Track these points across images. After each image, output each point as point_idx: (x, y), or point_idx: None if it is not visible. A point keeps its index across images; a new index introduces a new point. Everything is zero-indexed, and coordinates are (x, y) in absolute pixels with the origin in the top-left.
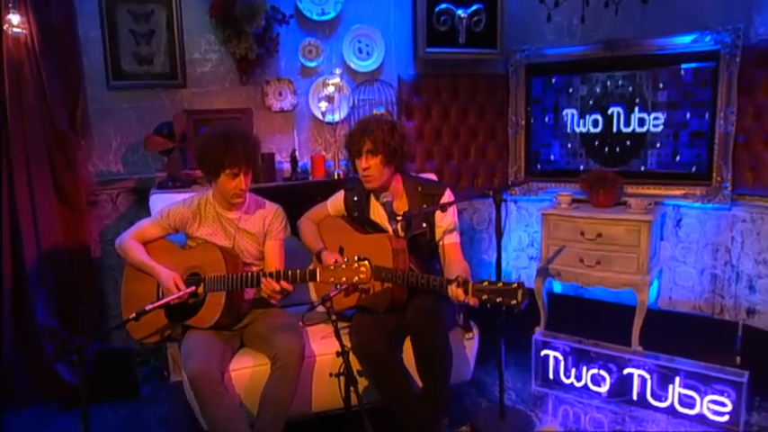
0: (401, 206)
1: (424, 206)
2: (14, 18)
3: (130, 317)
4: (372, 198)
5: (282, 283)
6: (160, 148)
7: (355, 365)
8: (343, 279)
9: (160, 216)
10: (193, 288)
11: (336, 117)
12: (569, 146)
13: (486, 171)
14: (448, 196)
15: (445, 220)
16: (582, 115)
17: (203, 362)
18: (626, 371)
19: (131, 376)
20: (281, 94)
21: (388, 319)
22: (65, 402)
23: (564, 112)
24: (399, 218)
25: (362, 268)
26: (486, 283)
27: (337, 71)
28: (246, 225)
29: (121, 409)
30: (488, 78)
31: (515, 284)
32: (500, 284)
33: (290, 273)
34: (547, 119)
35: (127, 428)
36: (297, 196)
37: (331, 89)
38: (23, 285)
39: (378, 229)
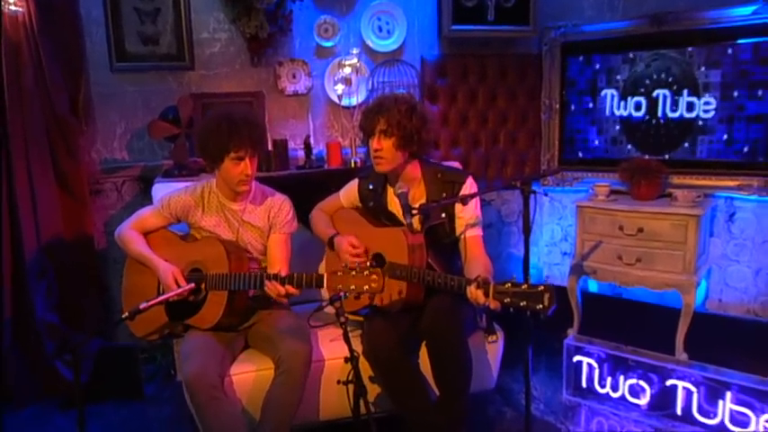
0: (418, 194)
1: (444, 195)
2: None
3: (123, 316)
4: (389, 187)
5: (288, 287)
6: (165, 134)
7: (367, 371)
8: (352, 287)
9: (161, 205)
10: (192, 286)
11: (354, 101)
12: (608, 132)
13: (517, 159)
14: (470, 185)
15: (466, 212)
16: (623, 98)
17: (200, 365)
18: (669, 382)
19: (134, 375)
20: (294, 77)
21: (403, 321)
22: (65, 401)
23: (603, 95)
24: (415, 211)
25: (374, 276)
26: (508, 285)
27: (355, 51)
28: (251, 217)
29: (123, 410)
30: (520, 58)
31: (542, 287)
32: (524, 286)
33: (295, 276)
34: (584, 102)
35: (127, 430)
36: (310, 186)
37: (347, 71)
38: (23, 279)
39: (395, 220)
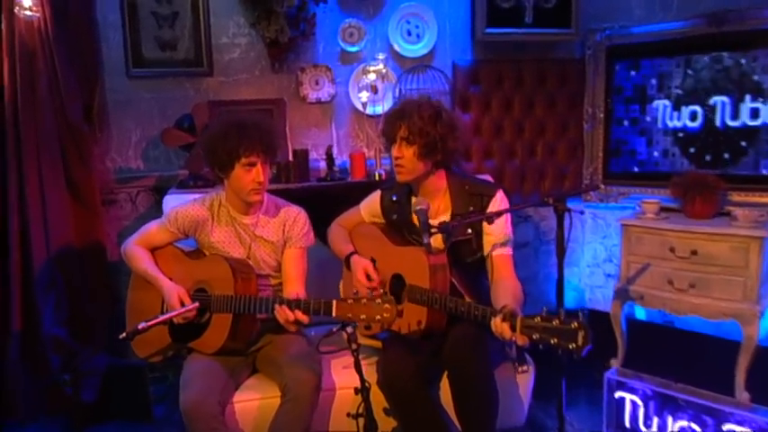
0: (443, 206)
1: (471, 209)
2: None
3: (122, 335)
4: (414, 198)
5: (297, 313)
6: (180, 142)
7: (382, 402)
8: (362, 317)
9: (167, 219)
10: (193, 306)
11: (379, 109)
12: (659, 143)
13: (556, 172)
14: (500, 199)
15: (495, 229)
16: (676, 107)
17: (199, 393)
18: (726, 427)
19: (144, 395)
20: (317, 83)
21: (423, 349)
22: (69, 421)
23: (653, 104)
24: (434, 230)
25: (387, 306)
26: (538, 319)
27: (380, 56)
28: (264, 232)
29: None
30: (560, 64)
31: (575, 324)
32: (556, 321)
33: (302, 303)
34: (631, 111)
35: None
36: (331, 199)
37: (372, 77)
38: (32, 290)
39: (419, 234)
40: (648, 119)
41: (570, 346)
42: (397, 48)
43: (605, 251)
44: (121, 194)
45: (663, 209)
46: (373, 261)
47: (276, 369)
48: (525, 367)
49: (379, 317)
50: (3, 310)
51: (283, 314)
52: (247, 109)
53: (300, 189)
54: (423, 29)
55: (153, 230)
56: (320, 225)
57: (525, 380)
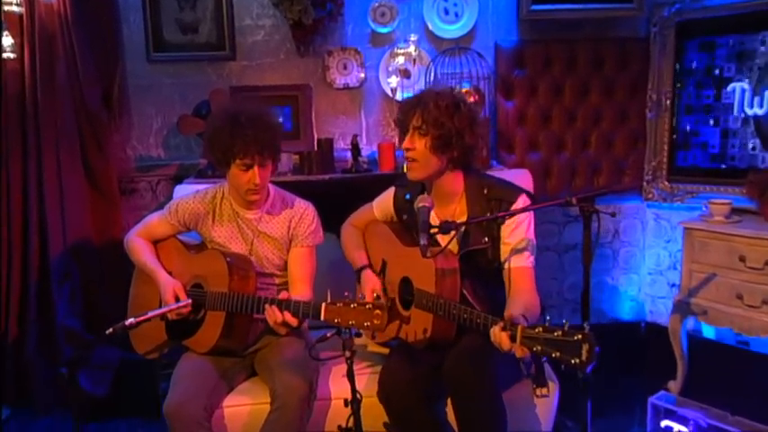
0: (458, 212)
1: (490, 215)
2: None
3: (108, 331)
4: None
5: (286, 314)
6: (196, 130)
7: (382, 416)
8: (351, 322)
9: (168, 211)
10: (186, 303)
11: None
12: (735, 135)
13: (612, 166)
14: (521, 206)
15: (514, 235)
16: (757, 92)
17: (183, 395)
18: None
19: (154, 391)
20: (345, 68)
21: (426, 360)
22: (82, 414)
23: (729, 88)
24: (435, 229)
25: (377, 312)
26: (540, 330)
27: (412, 38)
28: (268, 227)
29: (140, 430)
30: (620, 43)
31: (579, 335)
32: (558, 333)
33: (291, 304)
34: (703, 97)
35: None
36: (354, 193)
37: (400, 60)
38: (49, 280)
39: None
40: (724, 106)
41: (573, 361)
42: (432, 28)
43: (669, 257)
44: (141, 183)
45: (734, 211)
46: (384, 263)
47: (269, 373)
48: (545, 390)
49: (368, 323)
50: (21, 299)
51: (272, 315)
52: (272, 95)
53: (321, 181)
54: (462, 7)
55: (154, 222)
56: (338, 221)
57: (546, 404)
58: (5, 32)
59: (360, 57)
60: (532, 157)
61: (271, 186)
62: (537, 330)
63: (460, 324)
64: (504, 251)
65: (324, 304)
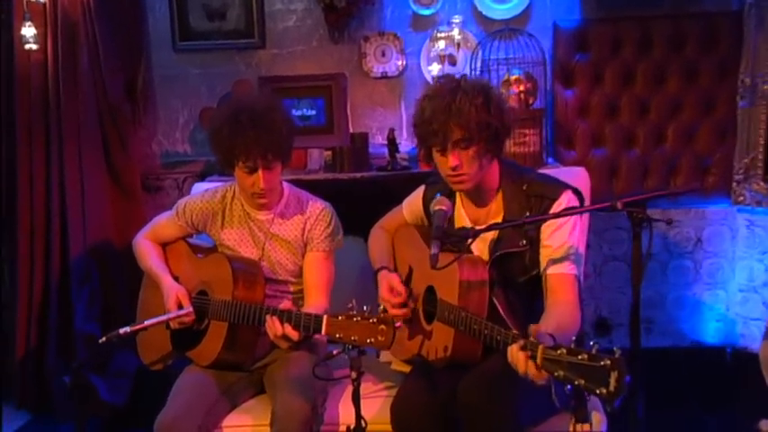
0: (494, 210)
1: (527, 215)
2: None
3: (100, 340)
4: (459, 197)
5: (287, 327)
6: None
7: None
8: (353, 338)
9: (175, 211)
10: (187, 311)
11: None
12: None
13: (693, 164)
14: (565, 204)
15: (555, 237)
16: None
17: (177, 411)
18: None
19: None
20: (384, 55)
21: (448, 385)
22: (99, 423)
23: None
24: (453, 237)
25: (382, 327)
26: (563, 351)
27: (456, 19)
28: (280, 230)
29: None
30: (706, 19)
31: (607, 361)
32: (584, 356)
33: (293, 315)
34: None
35: None
36: (389, 193)
37: (441, 45)
38: (69, 283)
39: (458, 243)
40: None
41: (599, 392)
42: (481, 8)
43: (765, 272)
44: (167, 181)
45: None
46: (410, 270)
47: (273, 392)
48: (587, 426)
49: (371, 339)
50: (42, 304)
51: (272, 327)
52: (304, 86)
53: (351, 180)
54: None
55: (162, 223)
56: (372, 224)
57: None
58: (28, 22)
59: (399, 42)
60: (596, 154)
61: (285, 185)
62: (559, 352)
63: (484, 342)
64: (544, 255)
65: (325, 317)
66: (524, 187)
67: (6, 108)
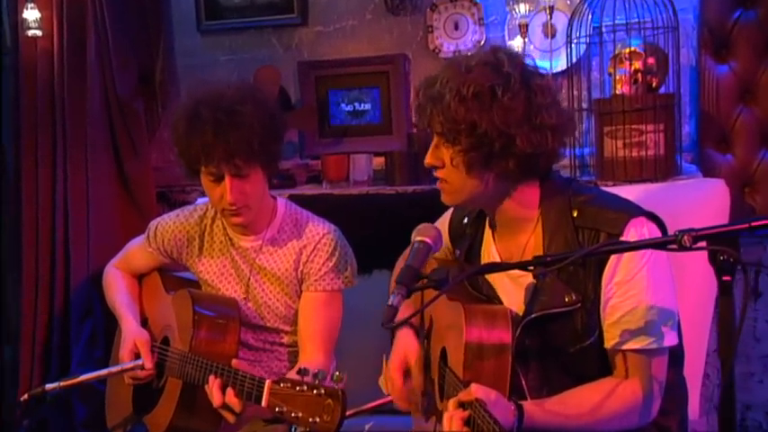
0: (531, 245)
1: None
2: None
3: (22, 398)
4: (488, 225)
5: (229, 393)
6: None
7: None
8: (295, 414)
9: (146, 235)
10: (134, 364)
11: (548, 65)
12: None
13: None
14: (633, 238)
15: (631, 289)
16: None
17: None
18: None
19: None
20: (457, 27)
21: None
22: None
23: None
24: (425, 281)
25: (329, 402)
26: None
27: None
28: (269, 261)
29: None
30: None
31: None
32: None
33: (238, 378)
34: None
35: None
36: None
37: (522, 9)
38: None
39: (491, 290)
40: None
41: (312, 420)
42: None
43: None
44: (194, 193)
45: None
46: (431, 323)
47: None
48: None
49: (315, 419)
50: (45, 339)
51: (211, 392)
52: (354, 73)
53: (399, 196)
54: None
55: (132, 250)
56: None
57: None
58: (31, 4)
59: (478, 10)
60: (763, 156)
61: (281, 202)
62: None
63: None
64: (610, 323)
65: (268, 382)
66: (574, 214)
67: (11, 110)
